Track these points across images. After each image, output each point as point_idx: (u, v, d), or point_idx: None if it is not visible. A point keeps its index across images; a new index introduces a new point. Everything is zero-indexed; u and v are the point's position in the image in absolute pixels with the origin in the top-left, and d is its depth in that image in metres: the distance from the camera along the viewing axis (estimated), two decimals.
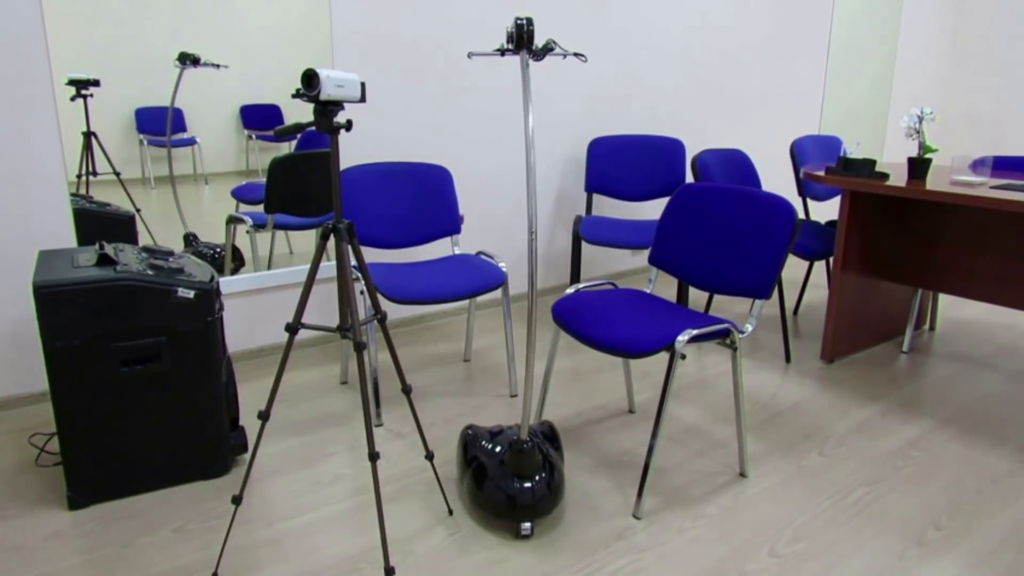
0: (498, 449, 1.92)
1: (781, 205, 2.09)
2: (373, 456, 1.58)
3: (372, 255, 3.20)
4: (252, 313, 2.98)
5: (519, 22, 1.65)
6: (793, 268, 4.56)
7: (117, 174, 2.59)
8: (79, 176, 2.51)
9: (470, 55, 1.79)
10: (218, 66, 2.64)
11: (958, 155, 2.86)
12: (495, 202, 3.58)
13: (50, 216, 2.47)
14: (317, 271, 1.68)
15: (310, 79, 1.51)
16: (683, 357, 1.91)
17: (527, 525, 1.86)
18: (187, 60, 2.56)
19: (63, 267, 1.91)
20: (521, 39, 1.64)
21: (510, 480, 1.85)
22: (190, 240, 2.77)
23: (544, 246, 3.84)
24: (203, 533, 1.87)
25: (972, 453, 2.34)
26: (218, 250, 2.83)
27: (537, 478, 1.86)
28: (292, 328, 1.66)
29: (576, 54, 1.88)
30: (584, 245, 4.00)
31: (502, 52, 1.73)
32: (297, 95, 1.54)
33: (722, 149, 3.38)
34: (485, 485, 1.88)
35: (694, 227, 2.29)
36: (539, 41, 1.66)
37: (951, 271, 2.99)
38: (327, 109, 1.56)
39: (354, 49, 2.98)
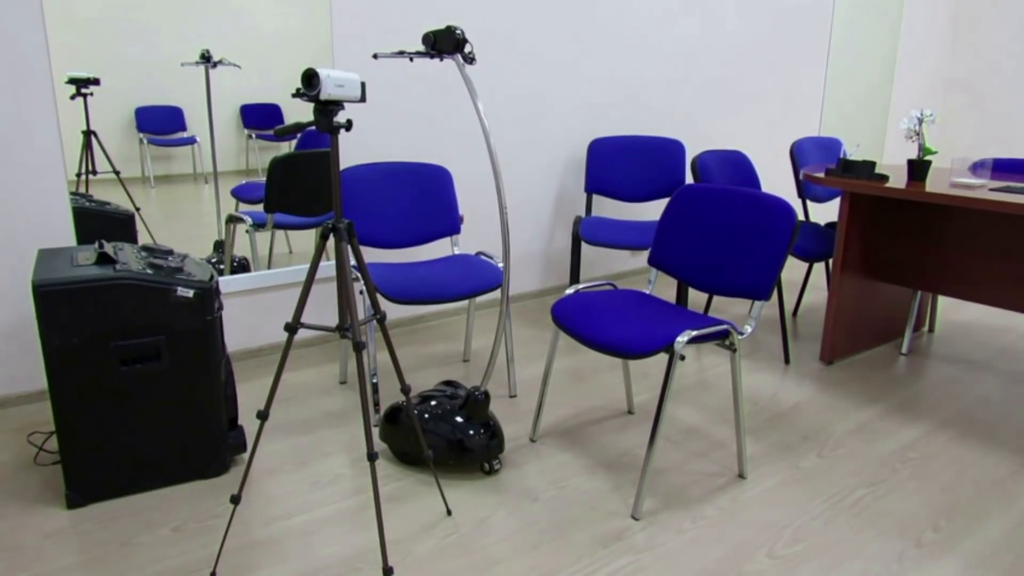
0: (433, 403, 2.16)
1: (781, 206, 2.09)
2: (372, 456, 1.58)
3: (372, 255, 3.20)
4: (251, 313, 2.98)
5: (455, 31, 1.96)
6: (793, 270, 4.56)
7: (117, 173, 2.59)
8: (79, 175, 2.51)
9: (375, 56, 1.94)
10: (226, 64, 2.65)
11: (958, 157, 2.86)
12: (495, 202, 3.58)
13: (50, 215, 2.47)
14: (317, 271, 1.68)
15: (310, 78, 1.51)
16: (682, 358, 1.91)
17: (497, 462, 2.18)
18: (206, 59, 2.58)
19: (62, 266, 1.91)
20: (458, 44, 1.95)
21: (469, 424, 2.11)
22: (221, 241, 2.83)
23: (544, 246, 3.85)
24: (201, 532, 1.87)
25: (971, 455, 2.34)
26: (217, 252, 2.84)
27: (491, 423, 2.15)
28: (291, 328, 1.66)
29: (465, 56, 2.05)
30: (584, 246, 4.00)
31: (430, 56, 2.03)
32: (297, 95, 1.54)
33: (722, 150, 3.38)
34: (442, 430, 2.11)
35: (694, 228, 2.30)
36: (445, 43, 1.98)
37: (950, 273, 2.99)
38: (327, 109, 1.56)
39: (354, 49, 2.98)
